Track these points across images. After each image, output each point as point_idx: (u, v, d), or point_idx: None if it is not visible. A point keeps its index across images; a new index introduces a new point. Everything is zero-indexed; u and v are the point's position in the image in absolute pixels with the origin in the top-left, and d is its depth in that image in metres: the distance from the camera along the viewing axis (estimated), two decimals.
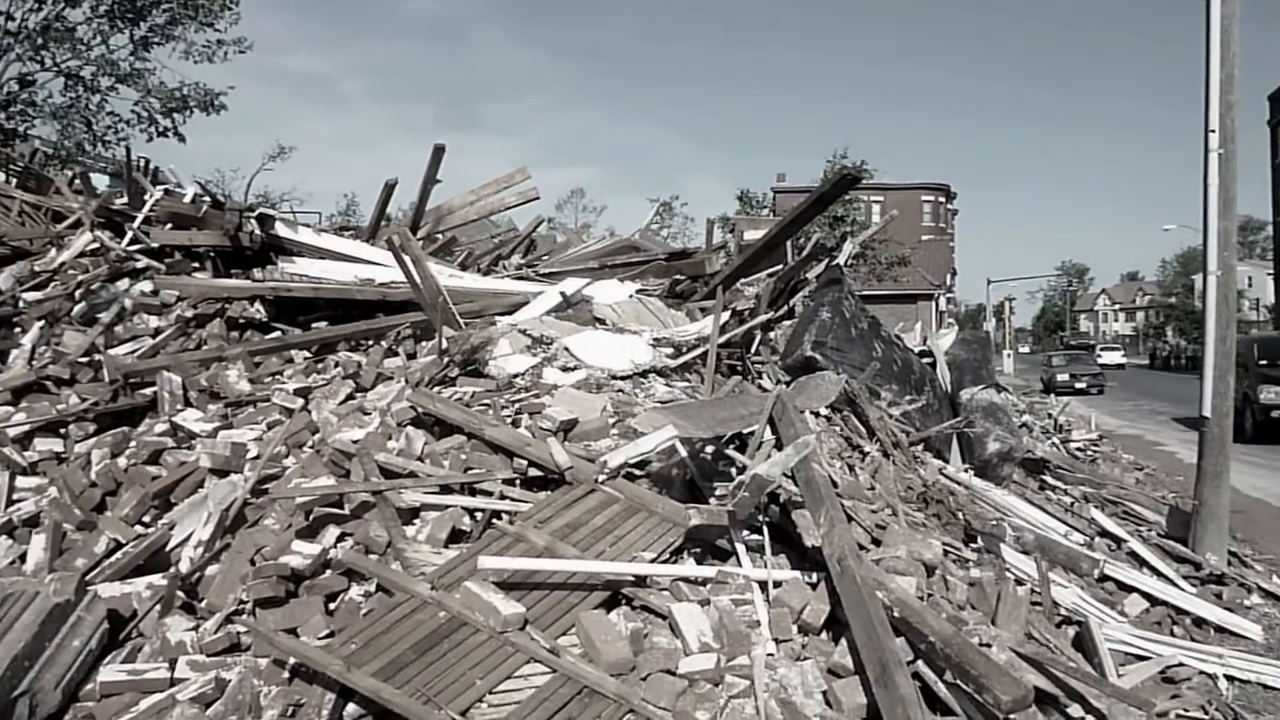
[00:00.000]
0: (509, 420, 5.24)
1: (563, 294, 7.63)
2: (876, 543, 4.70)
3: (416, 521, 4.46)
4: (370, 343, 7.07)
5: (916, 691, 3.26)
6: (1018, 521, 6.48)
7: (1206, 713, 4.62)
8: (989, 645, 3.89)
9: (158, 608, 3.99)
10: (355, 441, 5.03)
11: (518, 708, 3.26)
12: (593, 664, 3.46)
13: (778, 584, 4.02)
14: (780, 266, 9.70)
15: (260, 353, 6.79)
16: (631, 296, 7.98)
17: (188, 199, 8.59)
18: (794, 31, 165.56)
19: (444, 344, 6.26)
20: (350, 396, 5.96)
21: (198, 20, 18.49)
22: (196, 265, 8.06)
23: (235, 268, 8.11)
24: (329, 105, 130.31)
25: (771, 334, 8.54)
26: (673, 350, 6.79)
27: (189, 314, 7.26)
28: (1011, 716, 3.39)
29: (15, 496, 5.12)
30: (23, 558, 4.56)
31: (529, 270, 9.71)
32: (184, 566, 4.27)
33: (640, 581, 3.96)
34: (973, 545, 5.60)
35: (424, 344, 6.92)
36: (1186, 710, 4.61)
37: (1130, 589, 6.14)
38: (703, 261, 9.55)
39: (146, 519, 4.80)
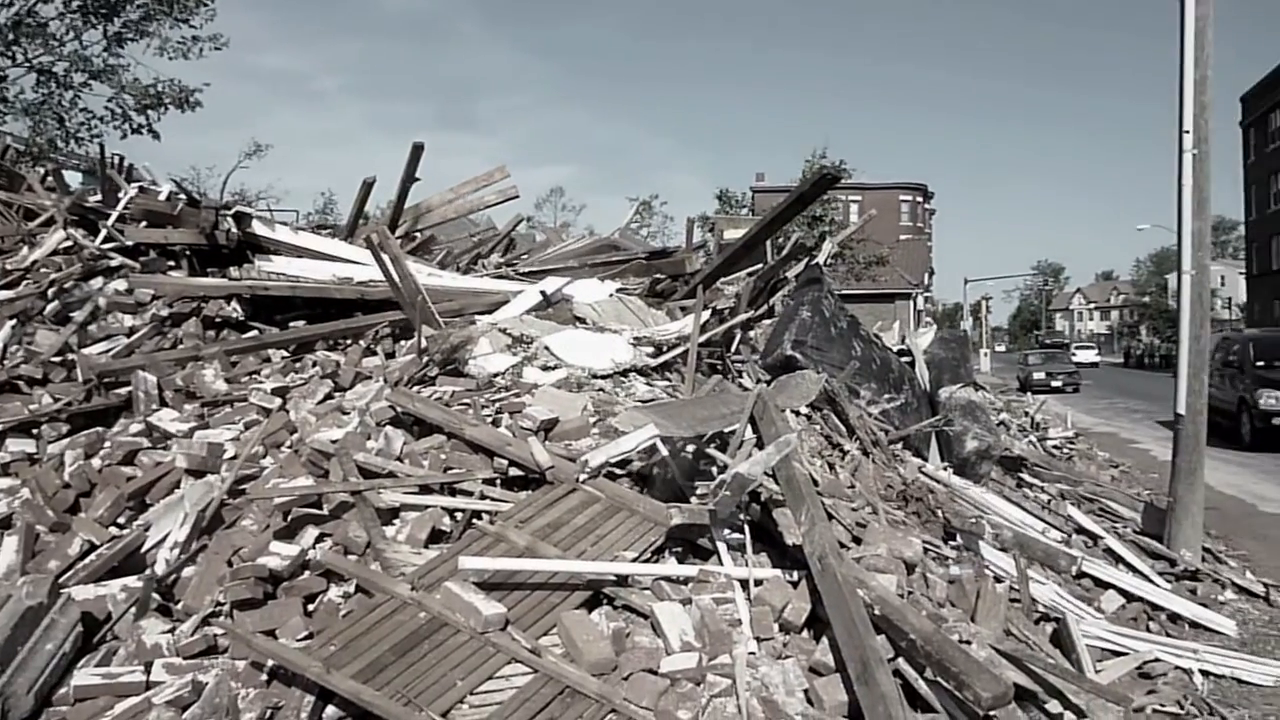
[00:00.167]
0: (489, 419, 5.22)
1: (543, 293, 7.61)
2: (857, 541, 4.72)
3: (396, 522, 4.43)
4: (349, 342, 7.02)
5: (897, 689, 3.28)
6: (996, 519, 6.52)
7: (1182, 708, 4.67)
8: (969, 642, 3.91)
9: (133, 610, 3.94)
10: (334, 441, 4.99)
11: (499, 708, 3.25)
12: (574, 664, 3.45)
13: (759, 582, 4.03)
14: (760, 266, 9.74)
15: (237, 352, 6.73)
16: (612, 295, 7.97)
17: (163, 196, 8.49)
18: (773, 31, 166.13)
19: (423, 343, 6.22)
20: (328, 396, 5.92)
21: (172, 16, 18.35)
22: (172, 263, 7.97)
23: (211, 266, 8.03)
24: (306, 103, 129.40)
25: (751, 333, 8.56)
26: (653, 349, 6.80)
27: (164, 313, 7.18)
28: (992, 713, 3.41)
29: None
30: None
31: (509, 269, 9.69)
32: (160, 568, 4.22)
33: (622, 581, 3.96)
34: (952, 543, 5.64)
35: (403, 343, 6.88)
36: (1163, 705, 4.66)
37: (1107, 585, 6.21)
38: (683, 260, 9.56)
39: (121, 520, 4.74)
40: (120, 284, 7.47)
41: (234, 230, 7.99)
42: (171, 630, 3.83)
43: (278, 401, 5.77)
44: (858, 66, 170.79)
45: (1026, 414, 13.92)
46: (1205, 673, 5.15)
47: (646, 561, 4.10)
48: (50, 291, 7.25)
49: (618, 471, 4.76)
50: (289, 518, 4.45)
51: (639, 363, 6.46)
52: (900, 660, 3.60)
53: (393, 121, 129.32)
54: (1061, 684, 3.97)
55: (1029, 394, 22.41)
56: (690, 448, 5.11)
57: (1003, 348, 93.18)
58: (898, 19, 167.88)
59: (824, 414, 6.86)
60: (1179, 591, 6.46)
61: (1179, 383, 7.44)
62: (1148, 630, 5.71)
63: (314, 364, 6.46)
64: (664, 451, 4.79)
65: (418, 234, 10.20)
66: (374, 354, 6.77)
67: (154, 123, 18.91)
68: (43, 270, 7.60)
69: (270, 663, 3.46)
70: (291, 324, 7.36)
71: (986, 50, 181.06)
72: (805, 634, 3.83)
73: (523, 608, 3.73)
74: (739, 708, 3.30)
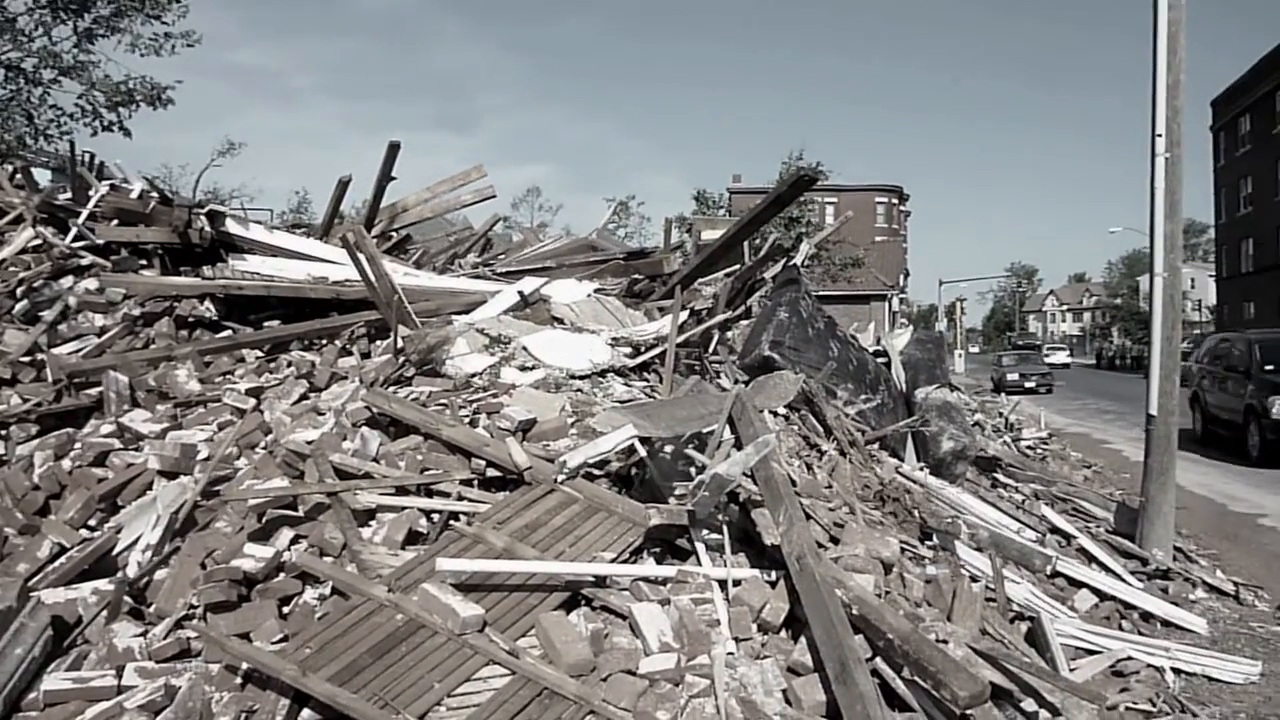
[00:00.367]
0: (466, 420, 5.19)
1: (520, 293, 7.58)
2: (835, 541, 4.73)
3: (372, 523, 4.40)
4: (324, 342, 6.97)
5: (875, 688, 3.30)
6: (972, 519, 6.57)
7: (1154, 705, 4.72)
8: (946, 641, 3.94)
9: (104, 613, 3.88)
10: (309, 442, 4.95)
11: (477, 710, 3.23)
12: (553, 665, 3.44)
13: (737, 583, 4.03)
14: (738, 266, 9.76)
15: (210, 352, 6.66)
16: (589, 296, 7.96)
17: (134, 195, 8.38)
18: (750, 32, 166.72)
19: (399, 343, 6.19)
20: (304, 396, 5.87)
21: (144, 12, 18.15)
22: (144, 262, 7.88)
23: (184, 265, 7.94)
24: (280, 101, 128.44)
25: (729, 334, 8.57)
26: (631, 350, 6.79)
27: (136, 312, 7.10)
28: (969, 712, 3.43)
29: None
30: None
31: (485, 269, 9.65)
32: (131, 571, 4.17)
33: (600, 582, 3.95)
34: (928, 543, 5.67)
35: (379, 343, 6.84)
36: (1135, 703, 4.71)
37: (1080, 584, 6.26)
38: (660, 261, 9.57)
39: (92, 522, 4.68)
40: (91, 283, 7.37)
41: (207, 229, 7.90)
42: (144, 633, 3.78)
43: (252, 402, 5.72)
44: (834, 68, 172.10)
45: (1001, 415, 14.04)
46: (1177, 670, 5.20)
47: (625, 562, 4.10)
48: (19, 290, 7.14)
49: (596, 472, 4.75)
50: (264, 519, 4.41)
51: (617, 363, 6.46)
52: (878, 660, 3.62)
53: (368, 120, 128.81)
54: (1037, 682, 4.00)
55: (1003, 395, 22.64)
56: (669, 448, 5.11)
57: (976, 349, 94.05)
58: (874, 20, 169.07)
59: (801, 414, 6.88)
60: (1151, 590, 6.53)
61: (1151, 384, 7.52)
62: (1120, 629, 5.77)
63: (289, 364, 6.41)
64: (642, 452, 4.79)
65: (394, 233, 10.13)
66: (350, 354, 6.72)
67: (125, 120, 18.70)
68: (11, 269, 7.49)
69: (245, 666, 3.42)
70: (266, 324, 7.29)
71: (962, 51, 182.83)
72: (783, 634, 3.84)
73: (501, 609, 3.71)
74: (717, 708, 3.30)
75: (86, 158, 9.96)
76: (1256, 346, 15.11)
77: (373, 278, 6.73)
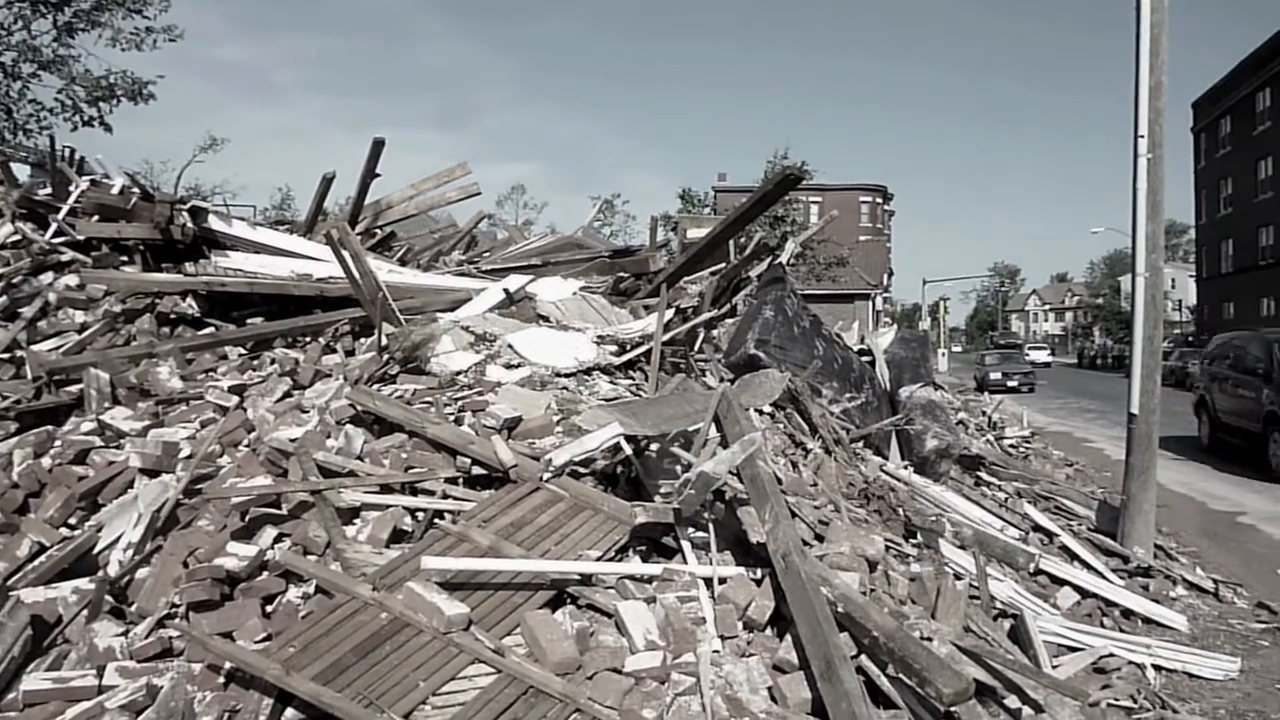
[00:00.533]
0: (452, 418, 5.18)
1: (505, 291, 7.56)
2: (820, 539, 4.75)
3: (357, 521, 4.38)
4: (308, 339, 6.92)
5: (860, 685, 3.31)
6: (956, 517, 6.61)
7: (1136, 701, 4.77)
8: (930, 639, 3.95)
9: (85, 613, 3.85)
10: (293, 440, 4.92)
11: (462, 709, 3.22)
12: (538, 664, 3.43)
13: (723, 581, 4.03)
14: (723, 265, 9.76)
15: (193, 349, 6.61)
16: (575, 294, 7.95)
17: (115, 190, 8.30)
18: (736, 31, 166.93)
19: (384, 340, 6.16)
20: (287, 394, 5.83)
21: (125, 7, 18.00)
22: (125, 259, 7.80)
23: (166, 261, 7.87)
24: (263, 97, 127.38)
25: (715, 332, 8.58)
26: (617, 348, 6.78)
27: (117, 309, 7.03)
28: (953, 708, 3.45)
29: None
30: None
31: (470, 266, 9.62)
32: (113, 570, 4.13)
33: (586, 580, 3.95)
34: (913, 540, 5.70)
35: (363, 340, 6.80)
36: (1117, 699, 4.75)
37: (1063, 582, 6.31)
38: (646, 259, 9.57)
39: (73, 521, 4.63)
40: (71, 279, 7.31)
41: (189, 225, 7.84)
42: (125, 633, 3.75)
43: (235, 400, 5.68)
44: (820, 68, 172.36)
45: (984, 413, 14.12)
46: (1157, 667, 5.25)
47: (611, 560, 4.09)
48: None
49: (582, 470, 4.74)
50: (247, 518, 4.38)
51: (603, 361, 6.45)
52: (863, 657, 3.63)
53: (353, 117, 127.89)
54: (1020, 679, 4.02)
55: (986, 393, 22.77)
56: (654, 446, 5.11)
57: (959, 348, 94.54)
58: (861, 20, 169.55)
59: (787, 413, 6.90)
60: (1132, 588, 6.58)
61: (1132, 383, 7.58)
62: (1102, 626, 5.81)
63: (272, 361, 6.37)
64: (628, 450, 4.78)
65: (378, 230, 10.09)
66: (334, 351, 6.69)
67: (106, 115, 18.54)
68: None
69: (228, 665, 3.40)
70: (249, 321, 7.24)
71: (947, 50, 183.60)
72: (769, 632, 3.85)
73: (486, 608, 3.70)
74: (703, 706, 3.30)
75: (67, 153, 9.86)
76: (1276, 346, 13.26)
77: (357, 275, 6.69)
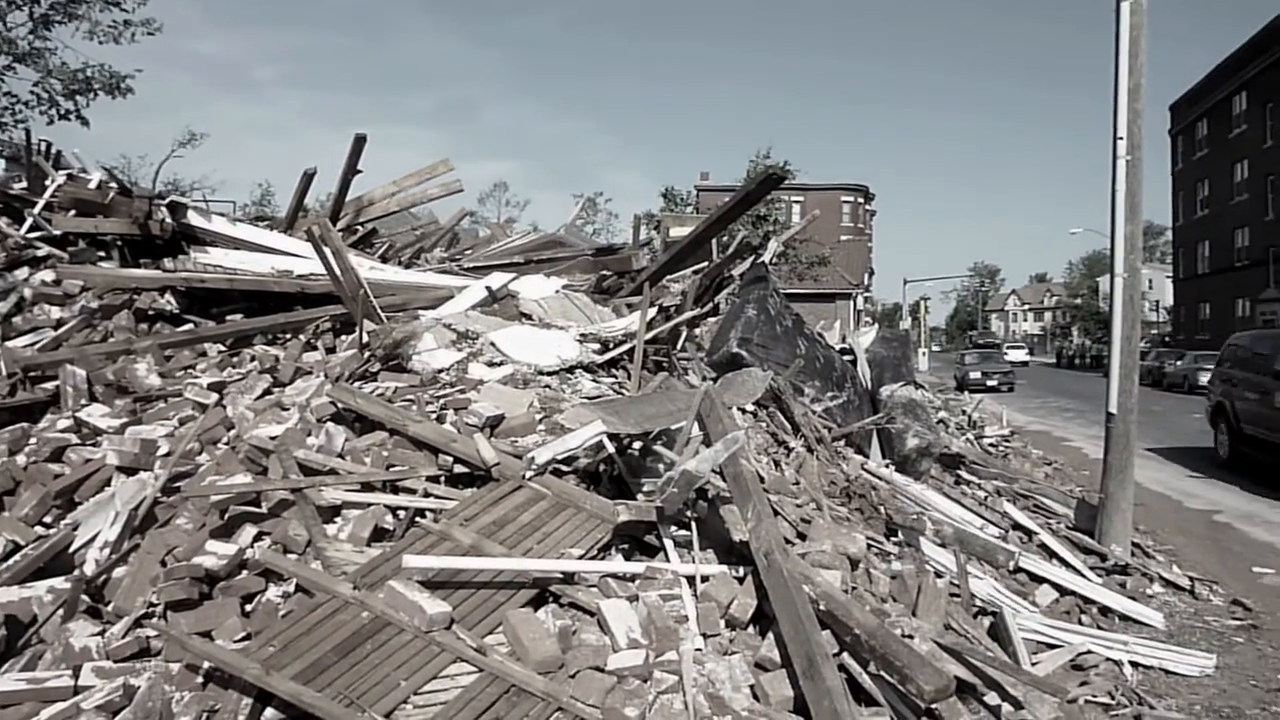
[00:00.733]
0: (433, 416, 5.15)
1: (488, 289, 7.53)
2: (802, 537, 4.76)
3: (337, 520, 4.35)
4: (288, 336, 6.87)
5: (842, 683, 3.31)
6: (936, 515, 6.64)
7: (1113, 698, 4.80)
8: (911, 636, 3.97)
9: (60, 612, 3.81)
10: (273, 438, 4.88)
11: (444, 708, 3.20)
12: (520, 662, 3.42)
13: (706, 579, 4.04)
14: (706, 264, 9.77)
15: (171, 345, 6.55)
16: (558, 292, 7.93)
17: (93, 184, 8.23)
18: (718, 30, 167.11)
19: (365, 338, 6.12)
20: (267, 391, 5.79)
21: None
22: (102, 254, 7.73)
23: (144, 257, 7.79)
24: (243, 92, 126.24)
25: (697, 330, 8.58)
26: (600, 346, 6.77)
27: (94, 305, 6.96)
28: (934, 705, 3.47)
29: None
30: None
31: (453, 264, 9.58)
32: (89, 569, 4.08)
33: (568, 578, 3.94)
34: (894, 539, 5.72)
35: (344, 338, 6.76)
36: (1095, 696, 4.79)
37: (1041, 580, 6.35)
38: (629, 258, 9.56)
39: (48, 519, 4.58)
40: (47, 275, 7.23)
41: (168, 220, 7.76)
42: (102, 633, 3.71)
43: (214, 397, 5.63)
44: (802, 67, 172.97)
45: (964, 412, 14.19)
46: (1135, 664, 5.30)
47: (593, 559, 4.09)
48: None
49: (564, 468, 4.73)
50: (226, 516, 4.34)
51: (585, 359, 6.44)
52: (845, 655, 3.64)
53: (333, 113, 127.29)
54: (1000, 676, 4.05)
55: (966, 393, 22.91)
56: (637, 445, 5.11)
57: (939, 348, 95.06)
58: (843, 20, 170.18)
59: (769, 411, 6.92)
60: (1109, 585, 6.64)
61: (1111, 383, 7.64)
62: (1080, 623, 5.86)
63: (252, 358, 6.32)
64: (611, 449, 4.78)
65: (359, 227, 10.03)
66: (314, 349, 6.64)
67: (83, 109, 18.35)
68: None
69: (206, 665, 3.37)
70: (228, 317, 7.19)
71: (928, 50, 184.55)
72: (751, 630, 3.85)
73: (468, 606, 3.68)
74: (685, 704, 3.30)
75: (43, 146, 9.76)
76: None
77: (338, 271, 6.65)
